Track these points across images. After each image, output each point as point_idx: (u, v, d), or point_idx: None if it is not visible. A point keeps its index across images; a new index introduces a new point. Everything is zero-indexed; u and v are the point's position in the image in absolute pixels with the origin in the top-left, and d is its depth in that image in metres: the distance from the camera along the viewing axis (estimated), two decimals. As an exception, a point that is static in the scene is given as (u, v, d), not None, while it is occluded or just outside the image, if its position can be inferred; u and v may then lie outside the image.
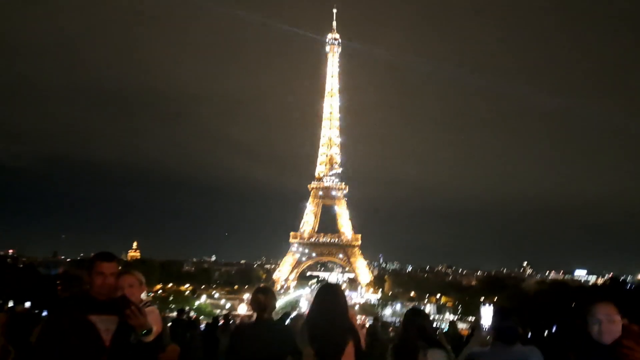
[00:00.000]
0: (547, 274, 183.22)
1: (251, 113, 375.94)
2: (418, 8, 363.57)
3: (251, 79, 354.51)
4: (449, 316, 75.28)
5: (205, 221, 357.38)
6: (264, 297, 4.24)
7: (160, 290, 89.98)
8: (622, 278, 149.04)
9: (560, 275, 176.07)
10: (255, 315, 4.28)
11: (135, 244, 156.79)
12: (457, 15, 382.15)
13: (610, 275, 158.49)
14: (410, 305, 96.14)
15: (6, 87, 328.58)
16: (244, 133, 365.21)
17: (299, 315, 6.94)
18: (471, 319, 74.19)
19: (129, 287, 4.03)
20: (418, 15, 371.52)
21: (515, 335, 3.23)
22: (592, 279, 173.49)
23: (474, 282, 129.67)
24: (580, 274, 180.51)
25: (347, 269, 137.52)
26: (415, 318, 3.54)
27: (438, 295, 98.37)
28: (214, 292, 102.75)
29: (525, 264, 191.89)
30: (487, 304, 4.37)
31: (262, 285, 4.55)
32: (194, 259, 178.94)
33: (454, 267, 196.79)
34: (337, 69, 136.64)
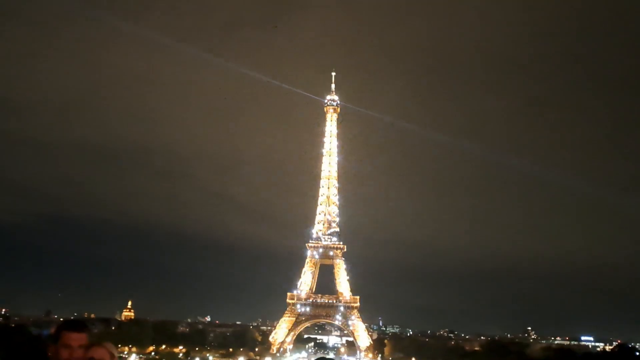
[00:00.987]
0: (552, 339, 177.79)
1: (250, 172, 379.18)
2: (415, 75, 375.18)
3: (251, 139, 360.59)
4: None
5: (201, 280, 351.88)
6: None
7: (153, 353, 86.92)
8: (630, 345, 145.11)
9: (566, 342, 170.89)
10: None
11: (129, 304, 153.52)
12: (451, 84, 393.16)
13: (618, 342, 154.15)
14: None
15: (6, 142, 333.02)
16: (242, 192, 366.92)
17: None
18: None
19: None
20: (414, 82, 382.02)
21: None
22: (599, 345, 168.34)
23: (477, 348, 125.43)
24: (587, 340, 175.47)
25: (345, 331, 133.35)
26: None
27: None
28: (209, 354, 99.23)
29: (529, 329, 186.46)
30: None
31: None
32: (189, 319, 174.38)
33: (456, 332, 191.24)
34: (336, 130, 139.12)
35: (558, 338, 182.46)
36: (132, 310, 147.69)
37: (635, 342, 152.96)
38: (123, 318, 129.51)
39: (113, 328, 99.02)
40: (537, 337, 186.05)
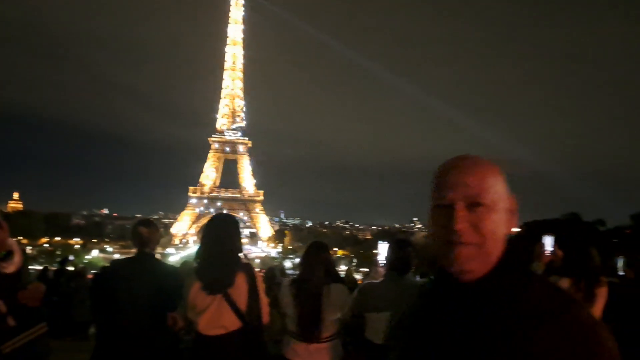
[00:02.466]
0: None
1: (149, 60, 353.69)
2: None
3: (151, 24, 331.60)
4: (345, 267, 78.70)
5: (98, 172, 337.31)
6: (147, 229, 3.56)
7: (47, 244, 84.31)
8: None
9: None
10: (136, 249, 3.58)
11: (16, 195, 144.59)
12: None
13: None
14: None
15: None
16: (140, 81, 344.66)
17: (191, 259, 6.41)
18: (365, 269, 78.35)
19: None
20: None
21: (409, 265, 3.30)
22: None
23: (369, 236, 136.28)
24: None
25: (248, 223, 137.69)
26: (320, 251, 3.43)
27: (335, 249, 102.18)
28: (107, 246, 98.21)
29: (415, 219, 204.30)
30: (384, 242, 4.46)
31: (144, 220, 3.48)
32: (84, 212, 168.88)
33: (351, 223, 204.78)
34: (242, 15, 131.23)
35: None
36: (20, 202, 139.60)
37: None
38: (10, 210, 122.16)
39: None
40: (421, 227, 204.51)
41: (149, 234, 3.55)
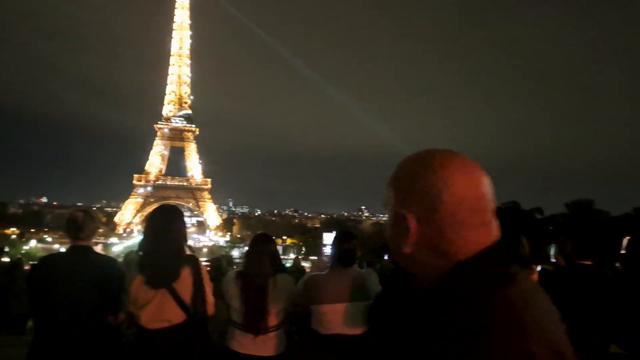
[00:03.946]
0: (380, 216, 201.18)
1: (91, 45, 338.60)
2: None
3: (93, 8, 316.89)
4: (294, 256, 79.03)
5: (33, 159, 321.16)
6: (82, 216, 3.37)
7: (-21, 235, 79.66)
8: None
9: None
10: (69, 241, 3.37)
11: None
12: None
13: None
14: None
15: None
16: (81, 64, 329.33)
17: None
18: (314, 257, 78.90)
19: None
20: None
21: (353, 257, 3.37)
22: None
23: (317, 224, 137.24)
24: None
25: (195, 212, 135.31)
26: (266, 244, 3.44)
27: (284, 237, 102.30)
28: (46, 236, 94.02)
29: (363, 207, 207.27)
30: (330, 232, 4.51)
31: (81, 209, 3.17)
32: (21, 201, 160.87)
33: (299, 211, 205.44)
34: (189, 0, 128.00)
35: (386, 216, 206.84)
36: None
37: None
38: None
39: None
40: (369, 215, 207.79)
41: (84, 221, 3.36)
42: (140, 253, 3.01)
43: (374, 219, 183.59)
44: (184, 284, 2.95)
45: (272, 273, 3.35)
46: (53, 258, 3.56)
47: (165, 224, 3.00)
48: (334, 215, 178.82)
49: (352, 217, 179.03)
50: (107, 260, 3.54)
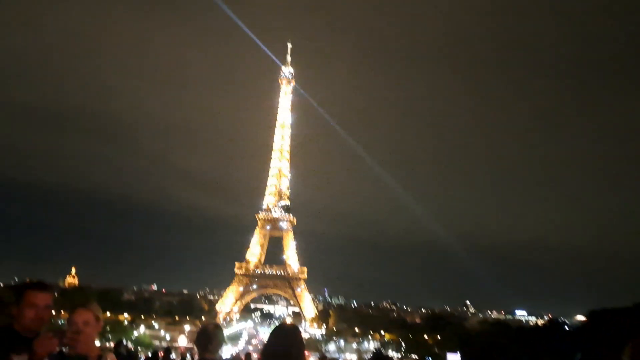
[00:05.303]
0: (488, 313, 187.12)
1: (199, 141, 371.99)
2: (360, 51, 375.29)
3: (201, 108, 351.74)
4: (393, 353, 75.20)
5: (148, 249, 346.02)
6: (213, 329, 3.66)
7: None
8: (560, 319, 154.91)
9: (502, 315, 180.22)
10: (197, 353, 3.61)
11: (73, 270, 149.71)
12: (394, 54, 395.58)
13: (549, 317, 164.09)
14: (354, 341, 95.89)
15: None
16: (192, 160, 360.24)
17: (239, 353, 6.15)
18: (414, 356, 74.35)
19: (85, 326, 3.31)
20: (359, 55, 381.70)
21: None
22: (532, 319, 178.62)
23: (417, 320, 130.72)
24: (521, 314, 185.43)
25: (292, 302, 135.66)
26: None
27: (382, 332, 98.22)
28: (154, 322, 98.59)
29: (467, 302, 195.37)
30: (454, 353, 4.30)
31: (212, 321, 3.21)
32: (135, 288, 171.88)
33: (398, 304, 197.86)
34: (290, 101, 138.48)
35: (494, 312, 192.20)
36: (75, 277, 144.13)
37: (565, 317, 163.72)
38: (66, 285, 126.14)
39: (56, 295, 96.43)
40: (474, 311, 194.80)
41: (213, 335, 3.63)
42: None
43: (480, 315, 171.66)
44: None
45: None
46: None
47: (287, 345, 2.95)
48: (436, 310, 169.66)
49: (455, 313, 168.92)
50: None
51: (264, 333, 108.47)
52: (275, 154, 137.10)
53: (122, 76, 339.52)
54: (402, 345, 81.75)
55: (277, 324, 3.17)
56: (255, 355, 16.15)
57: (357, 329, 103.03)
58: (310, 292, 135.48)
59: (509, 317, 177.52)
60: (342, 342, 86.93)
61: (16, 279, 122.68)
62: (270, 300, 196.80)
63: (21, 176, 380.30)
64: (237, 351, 58.26)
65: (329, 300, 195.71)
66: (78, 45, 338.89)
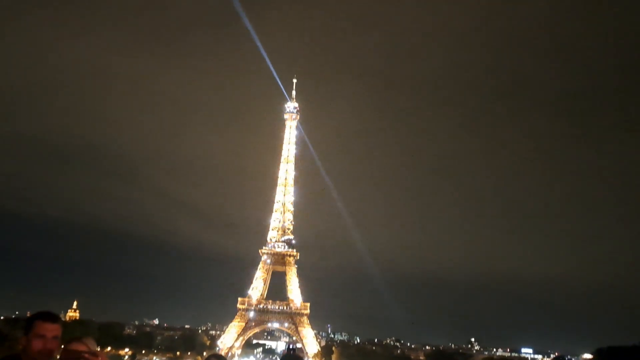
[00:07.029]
0: (494, 351, 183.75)
1: (203, 175, 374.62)
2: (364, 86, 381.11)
3: (206, 143, 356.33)
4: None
5: (149, 283, 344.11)
6: None
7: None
8: (567, 357, 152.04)
9: (507, 353, 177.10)
10: None
11: (75, 304, 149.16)
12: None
13: (555, 355, 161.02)
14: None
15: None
16: (195, 195, 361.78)
17: None
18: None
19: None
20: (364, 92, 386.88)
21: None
22: (538, 357, 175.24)
23: (422, 357, 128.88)
24: (527, 352, 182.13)
25: (294, 338, 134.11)
26: None
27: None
28: (155, 357, 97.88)
29: (472, 340, 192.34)
30: None
31: (215, 353, 3.52)
32: (136, 322, 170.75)
33: (402, 341, 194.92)
34: (295, 136, 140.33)
35: (500, 350, 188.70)
36: (77, 311, 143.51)
37: (572, 355, 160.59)
38: (67, 318, 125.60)
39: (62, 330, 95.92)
40: (480, 348, 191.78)
41: None
42: None
43: (485, 353, 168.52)
44: None
45: None
46: None
47: None
48: (440, 347, 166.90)
49: (460, 350, 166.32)
50: None
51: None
52: (279, 189, 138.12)
53: (126, 110, 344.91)
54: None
55: (287, 346, 3.70)
56: None
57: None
58: (313, 328, 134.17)
59: (515, 354, 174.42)
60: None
61: (17, 312, 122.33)
62: (272, 336, 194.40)
63: (24, 209, 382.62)
64: None
65: (332, 336, 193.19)
66: (84, 81, 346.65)
